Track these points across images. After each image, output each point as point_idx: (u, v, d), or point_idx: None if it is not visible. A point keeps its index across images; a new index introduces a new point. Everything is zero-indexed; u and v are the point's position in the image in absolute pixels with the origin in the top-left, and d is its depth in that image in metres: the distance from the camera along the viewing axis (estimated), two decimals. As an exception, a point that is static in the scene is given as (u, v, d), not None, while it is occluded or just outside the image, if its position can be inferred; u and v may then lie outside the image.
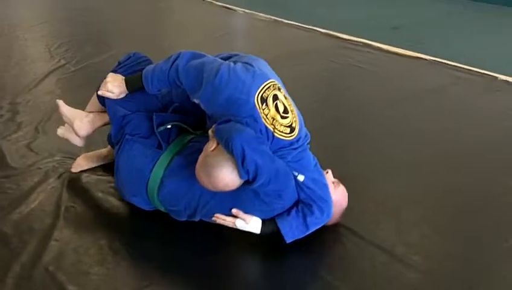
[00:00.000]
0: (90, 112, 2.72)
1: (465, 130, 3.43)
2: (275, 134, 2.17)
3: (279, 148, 2.20)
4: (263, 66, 2.36)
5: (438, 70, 4.47)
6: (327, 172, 2.43)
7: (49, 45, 4.91)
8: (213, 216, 2.29)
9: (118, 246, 2.34)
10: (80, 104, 3.23)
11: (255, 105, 2.15)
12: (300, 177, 2.25)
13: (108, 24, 5.77)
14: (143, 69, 2.42)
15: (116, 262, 2.24)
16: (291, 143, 2.22)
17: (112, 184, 2.67)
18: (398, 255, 2.30)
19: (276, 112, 2.19)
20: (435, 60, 4.64)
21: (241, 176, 2.09)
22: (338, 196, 2.38)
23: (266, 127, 2.15)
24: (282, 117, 2.20)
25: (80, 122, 2.68)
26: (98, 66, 4.32)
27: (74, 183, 2.73)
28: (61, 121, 3.36)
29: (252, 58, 2.38)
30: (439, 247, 2.40)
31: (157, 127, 2.41)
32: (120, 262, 2.25)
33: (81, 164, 2.81)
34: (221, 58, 2.40)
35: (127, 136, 2.44)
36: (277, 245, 2.30)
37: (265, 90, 2.20)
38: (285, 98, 2.27)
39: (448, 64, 4.56)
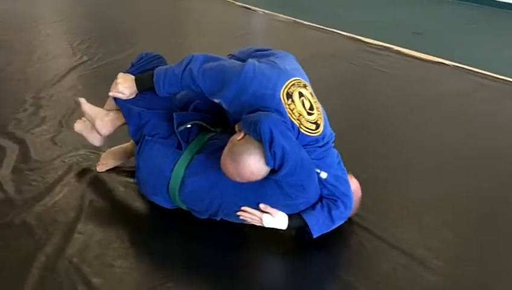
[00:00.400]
0: (109, 110, 2.73)
1: (486, 136, 3.42)
2: (301, 129, 2.18)
3: (304, 144, 2.20)
4: (291, 63, 2.37)
5: (460, 76, 4.45)
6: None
7: (71, 41, 4.96)
8: (236, 213, 2.29)
9: (141, 241, 2.37)
10: (101, 100, 3.26)
11: (280, 100, 2.16)
12: (323, 175, 2.26)
13: (129, 21, 5.82)
14: (154, 67, 2.44)
15: (139, 256, 2.27)
16: (316, 140, 2.23)
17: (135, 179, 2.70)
18: (419, 258, 2.30)
19: (302, 107, 2.20)
20: (456, 66, 4.62)
21: (267, 162, 2.08)
22: (353, 187, 2.40)
23: (292, 122, 2.16)
24: (308, 113, 2.21)
25: (101, 121, 2.69)
26: (120, 62, 4.35)
27: (97, 177, 2.76)
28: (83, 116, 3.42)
29: (280, 55, 2.39)
30: (460, 251, 2.40)
31: (177, 126, 2.41)
32: (143, 257, 2.28)
33: (106, 163, 2.80)
34: (254, 52, 2.43)
35: (146, 137, 2.44)
36: (297, 245, 2.31)
37: (291, 86, 2.21)
38: (311, 95, 2.28)
39: (470, 70, 4.53)
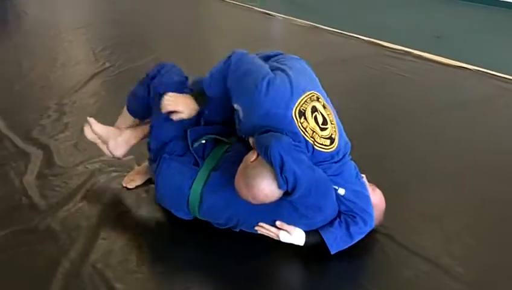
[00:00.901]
0: (122, 128, 2.73)
1: (507, 140, 3.40)
2: (315, 147, 2.16)
3: (320, 161, 2.19)
4: (302, 72, 2.35)
5: (482, 80, 4.42)
6: (362, 177, 2.42)
7: (94, 47, 5.02)
8: (255, 227, 2.31)
9: (162, 248, 2.39)
10: (123, 105, 3.31)
11: (292, 119, 2.14)
12: (341, 191, 2.25)
13: (151, 27, 5.87)
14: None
15: (161, 263, 2.29)
16: (331, 156, 2.21)
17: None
18: (441, 265, 2.29)
19: (315, 124, 2.18)
20: (478, 70, 4.59)
21: (279, 186, 2.07)
22: (377, 199, 2.40)
23: (306, 140, 2.14)
24: (322, 129, 2.19)
25: (114, 142, 2.68)
26: (142, 69, 4.35)
27: (120, 183, 2.78)
28: (106, 122, 3.43)
29: (292, 62, 2.37)
30: (482, 257, 2.38)
31: (192, 144, 2.41)
32: (165, 263, 2.29)
33: (135, 179, 2.79)
34: (263, 57, 2.41)
35: (164, 155, 2.44)
36: (318, 253, 2.30)
37: (303, 103, 2.19)
38: (324, 107, 2.25)
39: (491, 74, 4.50)
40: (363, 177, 2.42)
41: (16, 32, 5.86)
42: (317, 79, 2.39)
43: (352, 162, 2.35)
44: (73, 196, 2.69)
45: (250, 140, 2.28)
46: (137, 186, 2.76)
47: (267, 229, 2.29)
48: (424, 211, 2.67)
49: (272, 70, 2.28)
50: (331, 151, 2.20)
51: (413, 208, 2.69)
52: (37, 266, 2.24)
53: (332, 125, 2.24)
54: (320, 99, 2.26)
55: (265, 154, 2.06)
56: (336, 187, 2.23)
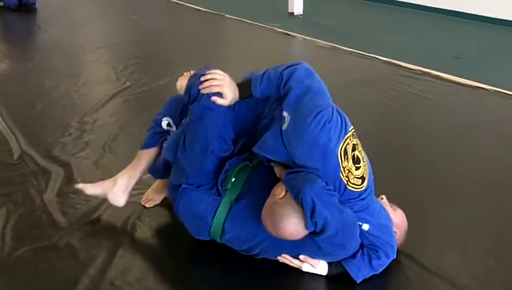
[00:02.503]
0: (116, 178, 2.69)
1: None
2: (348, 187, 2.12)
3: (348, 199, 2.15)
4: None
5: (500, 101, 4.39)
6: (382, 198, 2.42)
7: (115, 66, 5.08)
8: (278, 257, 2.31)
9: (181, 267, 2.40)
10: (145, 124, 3.32)
11: (337, 157, 2.09)
12: (365, 227, 2.23)
13: (171, 48, 5.92)
14: None
15: (179, 282, 2.30)
16: (360, 194, 2.18)
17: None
18: (460, 286, 2.27)
19: (352, 163, 2.13)
20: (496, 91, 4.56)
21: (307, 227, 2.04)
22: (398, 219, 2.38)
23: (340, 180, 2.10)
24: (356, 168, 2.14)
25: (112, 195, 2.65)
26: (163, 88, 4.45)
27: (140, 201, 2.80)
28: (127, 141, 3.50)
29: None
30: (502, 278, 2.35)
31: (221, 184, 2.33)
32: (183, 283, 2.30)
33: (153, 198, 2.79)
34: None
35: (183, 185, 2.38)
36: (338, 274, 2.29)
37: (348, 141, 2.12)
38: (357, 144, 2.19)
39: (510, 94, 4.48)
40: (382, 198, 2.42)
41: (38, 51, 5.97)
42: None
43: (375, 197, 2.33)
44: (93, 213, 2.72)
45: (276, 171, 2.24)
46: (155, 205, 2.77)
47: (290, 261, 2.29)
48: (446, 232, 2.65)
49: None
50: (361, 191, 2.18)
51: (435, 228, 2.67)
52: (57, 283, 2.26)
53: (364, 163, 2.19)
54: (355, 134, 2.20)
55: (297, 197, 2.03)
56: (360, 223, 2.22)
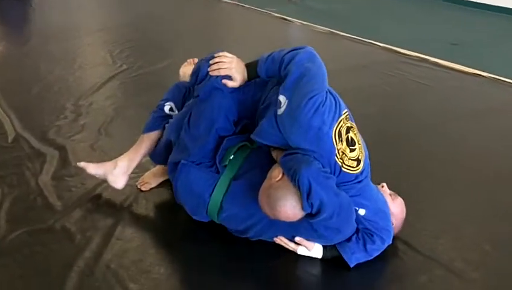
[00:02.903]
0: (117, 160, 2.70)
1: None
2: (343, 169, 2.13)
3: (344, 182, 2.16)
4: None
5: (498, 88, 4.40)
6: (382, 186, 2.42)
7: (111, 50, 5.05)
8: (273, 238, 2.32)
9: (177, 249, 2.39)
10: (141, 107, 3.33)
11: (332, 139, 2.10)
12: (362, 212, 2.24)
13: (168, 31, 5.89)
14: None
15: (175, 263, 2.30)
16: (356, 176, 2.18)
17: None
18: (455, 270, 2.28)
19: (346, 145, 2.14)
20: (494, 78, 4.57)
21: (303, 209, 2.05)
22: (397, 208, 2.38)
23: (335, 162, 2.11)
24: (351, 150, 2.15)
25: (111, 177, 2.66)
26: (159, 71, 4.44)
27: (135, 185, 2.79)
28: (122, 124, 3.49)
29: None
30: (499, 264, 2.36)
31: (220, 161, 2.35)
32: (179, 264, 2.30)
33: (149, 181, 2.79)
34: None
35: (182, 161, 2.40)
36: (334, 259, 2.30)
37: (342, 124, 2.14)
38: (352, 127, 2.20)
39: (508, 82, 4.48)
40: (383, 186, 2.42)
41: (33, 35, 5.92)
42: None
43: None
44: (89, 196, 2.71)
45: (273, 153, 2.26)
46: (151, 188, 2.77)
47: (286, 243, 2.30)
48: (442, 218, 2.66)
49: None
50: (356, 173, 2.18)
51: (431, 215, 2.67)
52: (52, 266, 2.26)
53: (359, 146, 2.20)
54: (348, 117, 2.21)
55: (293, 179, 2.04)
56: (356, 208, 2.22)
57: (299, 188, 2.03)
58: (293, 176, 2.04)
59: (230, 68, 2.35)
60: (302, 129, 2.09)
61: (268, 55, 2.31)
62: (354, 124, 2.23)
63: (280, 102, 2.16)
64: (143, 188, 2.76)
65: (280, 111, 2.15)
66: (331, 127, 2.10)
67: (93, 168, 2.72)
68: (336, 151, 2.11)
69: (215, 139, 2.38)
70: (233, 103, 2.39)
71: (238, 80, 2.36)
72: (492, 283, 2.25)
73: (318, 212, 2.05)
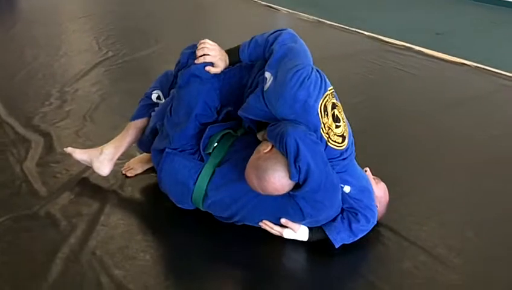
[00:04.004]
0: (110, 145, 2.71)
1: (508, 137, 3.41)
2: (328, 143, 2.15)
3: (330, 158, 2.17)
4: None
5: (482, 77, 4.43)
6: (366, 171, 2.44)
7: (97, 36, 5.01)
8: (259, 222, 2.32)
9: (163, 235, 2.39)
10: (126, 94, 3.31)
11: (318, 112, 2.12)
12: (347, 189, 2.25)
13: (154, 18, 5.85)
14: None
15: (161, 249, 2.30)
16: (341, 153, 2.20)
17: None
18: (439, 256, 2.31)
19: (332, 121, 2.16)
20: (478, 67, 4.60)
21: (291, 176, 2.06)
22: (380, 192, 2.41)
23: (321, 136, 2.13)
24: (336, 126, 2.18)
25: (97, 163, 2.66)
26: (144, 58, 4.43)
27: (121, 170, 2.78)
28: (108, 111, 3.48)
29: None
30: (481, 250, 2.40)
31: (204, 148, 2.37)
32: (165, 250, 2.30)
33: (135, 167, 2.79)
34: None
35: (166, 150, 2.41)
36: (319, 244, 2.31)
37: (327, 99, 2.16)
38: (337, 104, 2.24)
39: (492, 71, 4.51)
40: (366, 170, 2.44)
41: (18, 21, 5.84)
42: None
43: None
44: (74, 182, 2.70)
45: (259, 135, 2.28)
46: (136, 175, 2.77)
47: (271, 227, 2.30)
48: (426, 205, 2.68)
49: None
50: (341, 149, 2.20)
51: (416, 202, 2.70)
52: (37, 252, 2.25)
53: (344, 123, 2.23)
54: (334, 95, 2.25)
55: (280, 142, 2.04)
56: (342, 185, 2.24)
57: (286, 152, 2.03)
58: (280, 140, 2.05)
59: (214, 56, 2.38)
60: (288, 102, 2.11)
61: (251, 40, 2.36)
62: (338, 102, 2.25)
63: (265, 78, 2.20)
64: (128, 174, 2.76)
65: (266, 86, 2.18)
66: (316, 101, 2.12)
67: (79, 154, 2.72)
68: (322, 126, 2.13)
69: (196, 126, 2.40)
70: (213, 90, 2.42)
71: (220, 67, 2.39)
72: (475, 268, 2.28)
73: (305, 180, 2.06)
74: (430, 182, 2.88)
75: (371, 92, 4.09)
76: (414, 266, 2.26)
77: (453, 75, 4.48)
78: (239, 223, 2.37)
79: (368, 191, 2.33)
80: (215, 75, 2.41)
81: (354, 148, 2.31)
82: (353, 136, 2.32)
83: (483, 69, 4.56)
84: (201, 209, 2.41)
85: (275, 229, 2.30)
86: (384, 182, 2.49)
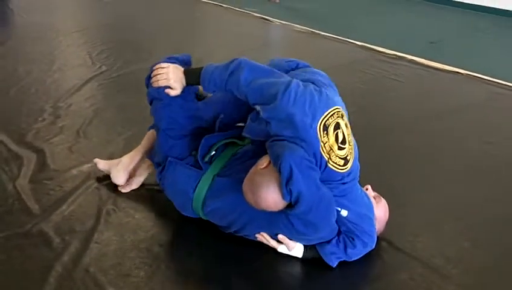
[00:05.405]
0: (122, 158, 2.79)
1: (502, 144, 3.42)
2: (329, 164, 2.11)
3: (329, 180, 2.14)
4: (330, 86, 2.31)
5: (475, 85, 4.46)
6: (367, 188, 2.42)
7: (90, 51, 5.01)
8: (254, 235, 2.32)
9: (157, 252, 2.37)
10: (119, 109, 3.30)
11: (316, 131, 2.09)
12: (344, 213, 2.22)
13: (147, 31, 5.86)
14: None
15: (155, 266, 2.27)
16: (342, 176, 2.16)
17: (153, 187, 2.75)
18: (435, 267, 2.30)
19: (335, 141, 2.12)
20: (471, 75, 4.62)
21: (283, 196, 2.04)
22: (381, 211, 2.38)
23: (321, 156, 2.09)
24: (340, 148, 2.13)
25: (114, 172, 2.76)
26: (138, 72, 4.37)
27: (115, 187, 2.77)
28: (102, 126, 3.47)
29: (320, 76, 2.35)
30: (478, 260, 2.39)
31: (202, 158, 2.37)
32: (159, 267, 2.27)
33: (127, 161, 2.77)
34: (289, 67, 2.42)
35: (169, 159, 2.45)
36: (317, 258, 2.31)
37: (329, 117, 2.12)
38: (346, 126, 2.20)
39: (484, 79, 4.54)
40: (367, 188, 2.42)
41: (12, 36, 5.85)
42: (339, 96, 2.34)
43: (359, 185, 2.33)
44: (67, 199, 2.68)
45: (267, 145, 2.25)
46: (132, 190, 2.76)
47: (267, 240, 2.29)
48: (422, 215, 2.68)
49: (301, 80, 2.22)
50: (343, 172, 2.16)
51: (411, 212, 2.69)
52: (30, 270, 2.23)
53: (350, 147, 2.19)
54: (344, 117, 2.20)
55: (275, 163, 2.03)
56: (339, 209, 2.20)
57: (280, 173, 2.02)
58: (276, 160, 2.04)
59: (168, 79, 2.37)
60: (286, 123, 2.10)
61: (211, 73, 2.29)
62: (347, 124, 2.21)
63: (257, 110, 2.21)
64: (123, 190, 2.75)
65: (261, 114, 2.17)
66: (314, 120, 2.09)
67: (101, 165, 2.83)
68: (322, 145, 2.09)
69: (165, 138, 2.47)
70: (178, 106, 2.44)
71: (177, 89, 2.39)
72: (472, 279, 2.27)
73: (296, 202, 2.04)
74: (425, 191, 2.88)
75: (364, 102, 4.08)
76: (411, 278, 2.24)
77: (446, 84, 4.49)
78: (238, 234, 2.36)
79: (367, 218, 2.29)
80: (178, 95, 2.41)
81: (358, 173, 2.27)
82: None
83: (476, 77, 4.59)
84: (202, 217, 2.42)
85: (271, 243, 2.30)
86: (377, 192, 2.47)
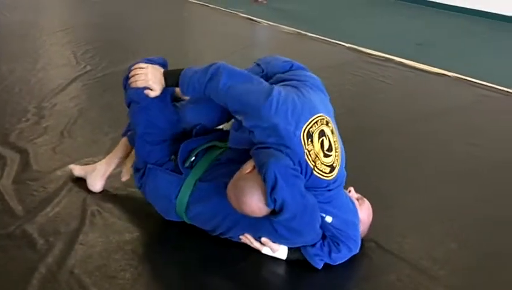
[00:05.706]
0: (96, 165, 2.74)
1: (489, 147, 3.43)
2: (314, 172, 2.09)
3: (314, 187, 2.13)
4: (316, 92, 2.28)
5: (462, 88, 4.48)
6: (349, 191, 2.41)
7: (75, 50, 4.97)
8: (239, 237, 2.30)
9: (142, 253, 2.35)
10: (104, 109, 3.26)
11: (300, 139, 2.07)
12: (328, 219, 2.20)
13: (133, 31, 5.83)
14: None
15: (140, 268, 2.24)
16: (327, 184, 2.15)
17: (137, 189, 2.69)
18: (423, 269, 2.30)
19: (320, 148, 2.11)
20: (458, 77, 4.64)
21: (267, 203, 2.02)
22: (364, 214, 2.37)
23: (307, 163, 2.07)
24: (326, 155, 2.12)
25: (90, 179, 2.71)
26: (123, 72, 4.30)
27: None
28: (86, 125, 3.43)
29: (308, 81, 2.32)
30: (465, 261, 2.39)
31: (183, 163, 2.35)
32: (144, 268, 2.25)
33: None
34: (283, 68, 2.40)
35: (149, 165, 2.40)
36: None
37: (313, 124, 2.11)
38: (332, 133, 2.18)
39: (471, 81, 4.56)
40: (350, 191, 2.41)
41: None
42: (329, 103, 2.33)
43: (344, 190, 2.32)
44: (51, 200, 2.64)
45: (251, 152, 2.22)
46: (117, 191, 2.73)
47: (251, 242, 2.28)
48: (409, 217, 2.68)
49: (286, 85, 2.21)
50: (329, 180, 2.14)
51: (398, 214, 2.69)
52: (13, 272, 2.19)
53: (336, 154, 2.17)
54: (329, 124, 2.18)
55: (261, 171, 2.01)
56: (323, 215, 2.19)
57: (264, 181, 2.00)
58: (261, 168, 2.02)
59: (147, 80, 2.31)
60: (269, 131, 2.08)
61: (190, 77, 2.24)
62: (334, 131, 2.20)
63: (239, 119, 2.19)
64: (123, 179, 2.70)
65: (243, 123, 2.16)
66: (297, 128, 2.07)
67: (77, 171, 2.77)
68: (307, 152, 2.07)
69: (142, 144, 2.42)
70: (157, 110, 2.38)
71: (157, 90, 2.32)
72: (459, 280, 2.26)
73: (281, 210, 2.02)
74: (412, 193, 2.87)
75: (352, 104, 4.08)
76: (398, 279, 2.24)
77: (433, 86, 4.51)
78: (223, 237, 2.34)
79: (352, 223, 2.28)
80: (157, 97, 2.35)
81: (344, 180, 2.26)
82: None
83: (463, 79, 4.60)
84: (186, 221, 2.40)
85: (254, 245, 2.28)
86: (364, 194, 2.46)
